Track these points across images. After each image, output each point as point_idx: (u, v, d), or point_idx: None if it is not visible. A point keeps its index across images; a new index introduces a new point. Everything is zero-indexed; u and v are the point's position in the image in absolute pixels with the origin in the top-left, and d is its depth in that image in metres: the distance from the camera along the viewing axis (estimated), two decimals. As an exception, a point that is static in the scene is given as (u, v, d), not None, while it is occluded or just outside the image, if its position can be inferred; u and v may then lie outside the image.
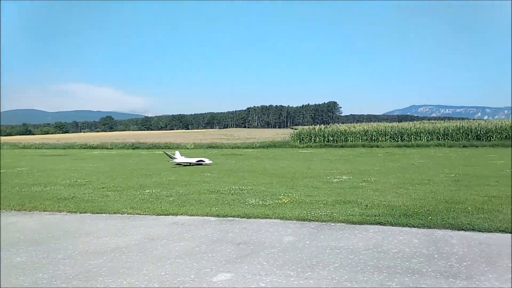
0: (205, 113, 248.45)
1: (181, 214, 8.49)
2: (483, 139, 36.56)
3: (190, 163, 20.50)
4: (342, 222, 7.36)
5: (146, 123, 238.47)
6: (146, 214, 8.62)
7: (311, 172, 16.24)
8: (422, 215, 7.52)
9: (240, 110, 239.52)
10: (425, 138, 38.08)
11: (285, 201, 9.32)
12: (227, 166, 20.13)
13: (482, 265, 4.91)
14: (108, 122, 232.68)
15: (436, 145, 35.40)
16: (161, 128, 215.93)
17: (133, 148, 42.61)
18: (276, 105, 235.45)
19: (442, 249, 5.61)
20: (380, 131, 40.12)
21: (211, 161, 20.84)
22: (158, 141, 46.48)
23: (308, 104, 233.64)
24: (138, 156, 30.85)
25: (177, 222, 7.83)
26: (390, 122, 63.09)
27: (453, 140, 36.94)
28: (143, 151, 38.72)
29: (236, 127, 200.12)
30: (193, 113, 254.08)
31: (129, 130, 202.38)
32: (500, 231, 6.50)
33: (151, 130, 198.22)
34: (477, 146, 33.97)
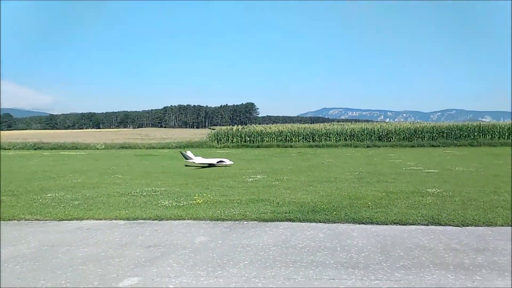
0: (118, 112, 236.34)
1: (87, 218, 7.98)
2: (384, 140, 40.03)
3: (210, 164, 19.25)
4: (255, 220, 7.52)
5: (50, 122, 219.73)
6: (46, 220, 7.95)
7: (227, 172, 16.35)
8: (328, 211, 7.99)
9: (156, 110, 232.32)
10: (334, 138, 40.56)
11: (200, 202, 9.26)
12: (140, 167, 19.40)
13: (378, 255, 5.36)
14: (6, 120, 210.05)
15: (343, 145, 37.91)
16: (68, 127, 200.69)
17: (35, 149, 39.00)
18: (194, 105, 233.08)
19: (344, 242, 6.02)
20: (294, 132, 41.85)
21: (232, 162, 19.63)
22: (64, 141, 43.09)
23: (227, 104, 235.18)
24: (41, 157, 28.30)
25: (82, 227, 7.34)
26: (303, 123, 66.16)
27: (358, 140, 39.86)
28: (47, 151, 35.63)
29: (152, 126, 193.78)
30: (104, 112, 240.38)
31: (30, 129, 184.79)
32: (394, 223, 7.16)
33: (57, 129, 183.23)
34: (379, 146, 37.06)
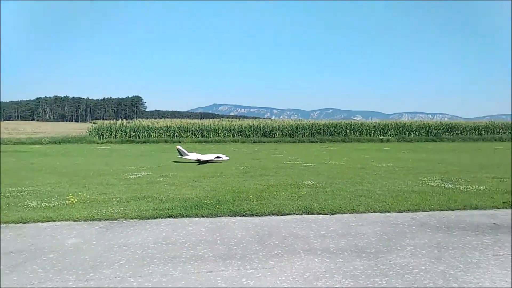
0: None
1: None
2: (269, 136, 42.05)
3: (208, 160, 18.34)
4: (135, 218, 7.23)
5: None
6: None
7: (109, 169, 15.42)
8: (211, 205, 8.08)
9: (27, 100, 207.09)
10: (222, 134, 41.25)
11: (74, 201, 8.55)
12: (4, 165, 17.14)
13: (255, 245, 5.60)
14: None
15: (232, 141, 38.81)
16: None
17: None
18: (73, 97, 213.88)
19: (224, 234, 6.15)
20: (183, 127, 41.40)
21: (228, 158, 18.84)
22: None
23: (111, 97, 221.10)
24: None
25: None
26: (193, 119, 65.79)
27: (245, 136, 41.20)
28: None
29: (21, 119, 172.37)
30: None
31: None
32: (273, 214, 7.56)
33: None
34: (264, 142, 38.81)
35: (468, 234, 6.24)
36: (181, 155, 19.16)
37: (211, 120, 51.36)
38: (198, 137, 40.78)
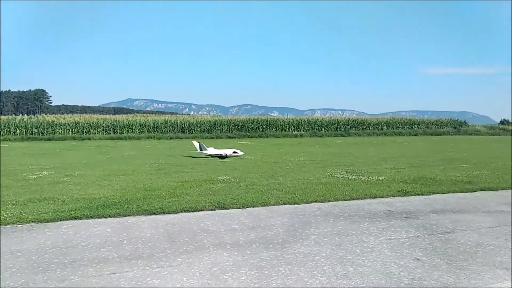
0: None
1: None
2: (186, 132, 41.46)
3: (227, 154, 18.53)
4: (32, 222, 6.64)
5: None
6: None
7: (4, 169, 13.95)
8: (120, 205, 7.72)
9: None
10: (137, 130, 39.68)
11: (-42, 206, 7.59)
12: None
13: (164, 243, 5.48)
14: None
15: (147, 137, 37.54)
16: None
17: None
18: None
19: (132, 234, 5.93)
20: (92, 123, 39.00)
21: (242, 153, 19.21)
22: None
23: (10, 90, 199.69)
24: None
25: None
26: (106, 114, 62.20)
27: (162, 132, 40.13)
28: None
29: None
30: None
31: None
32: (185, 211, 7.46)
33: None
34: (181, 138, 38.18)
35: (366, 221, 6.78)
36: (201, 150, 19.21)
37: (124, 115, 49.02)
38: (110, 133, 38.73)
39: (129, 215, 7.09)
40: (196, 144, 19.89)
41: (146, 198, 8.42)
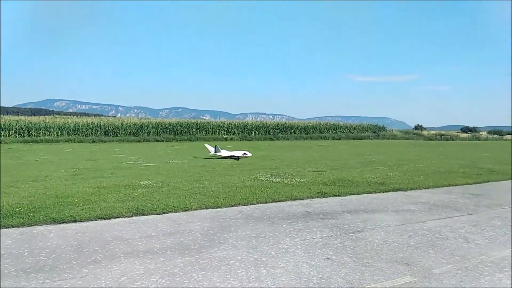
0: None
1: None
2: (110, 135, 39.53)
3: (238, 156, 19.81)
4: None
5: None
6: None
7: None
8: (25, 213, 7.09)
9: None
10: (55, 133, 37.00)
11: None
12: None
13: (70, 254, 5.11)
14: None
15: (66, 140, 35.18)
16: None
17: None
18: None
19: (35, 245, 5.45)
20: (3, 125, 35.61)
21: (251, 154, 20.37)
22: None
23: None
24: None
25: None
26: (21, 115, 57.26)
27: (83, 135, 37.86)
28: None
29: None
30: None
31: None
32: (99, 218, 7.05)
33: None
34: (105, 141, 36.34)
35: (284, 223, 6.93)
36: (216, 152, 20.63)
37: (41, 117, 45.45)
38: (24, 136, 35.67)
39: (34, 225, 6.53)
40: (209, 147, 21.85)
41: (57, 205, 7.83)
